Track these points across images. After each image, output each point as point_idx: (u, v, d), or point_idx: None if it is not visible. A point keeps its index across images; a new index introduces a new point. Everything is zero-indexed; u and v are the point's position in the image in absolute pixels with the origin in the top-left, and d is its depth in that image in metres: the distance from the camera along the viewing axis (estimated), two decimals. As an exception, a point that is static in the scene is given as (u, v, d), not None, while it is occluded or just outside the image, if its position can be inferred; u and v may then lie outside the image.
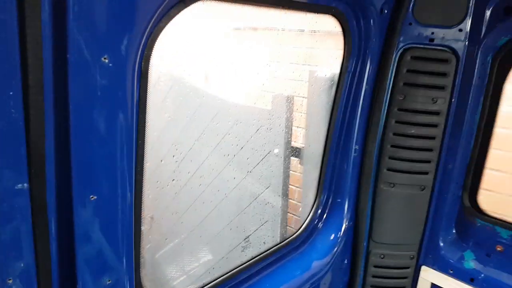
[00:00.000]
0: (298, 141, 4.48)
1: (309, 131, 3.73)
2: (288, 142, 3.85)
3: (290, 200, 4.35)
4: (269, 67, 4.02)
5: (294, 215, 4.49)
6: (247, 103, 3.88)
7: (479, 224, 2.36)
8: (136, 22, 1.13)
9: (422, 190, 2.30)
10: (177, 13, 1.24)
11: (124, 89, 1.16)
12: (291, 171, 3.96)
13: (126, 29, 1.12)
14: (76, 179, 1.15)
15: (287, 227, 4.00)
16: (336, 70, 3.14)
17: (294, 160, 4.10)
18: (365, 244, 2.44)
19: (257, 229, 3.66)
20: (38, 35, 0.99)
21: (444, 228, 2.41)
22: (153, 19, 1.15)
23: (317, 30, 4.00)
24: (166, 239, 3.53)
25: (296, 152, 4.03)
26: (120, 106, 1.17)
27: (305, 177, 3.79)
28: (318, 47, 4.19)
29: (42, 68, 1.01)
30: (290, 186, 4.00)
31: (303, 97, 4.25)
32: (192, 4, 1.28)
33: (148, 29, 1.15)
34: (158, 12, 1.15)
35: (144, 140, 1.29)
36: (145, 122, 1.27)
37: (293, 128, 3.90)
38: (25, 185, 1.06)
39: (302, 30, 4.01)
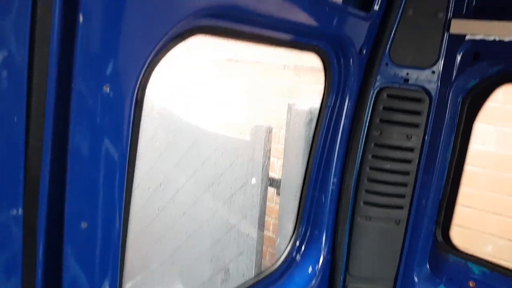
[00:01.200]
0: (275, 172, 4.51)
1: (287, 162, 3.78)
2: (265, 172, 3.88)
3: (265, 232, 4.34)
4: (248, 98, 4.10)
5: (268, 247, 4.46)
6: (226, 133, 3.91)
7: (451, 259, 2.41)
8: (138, 53, 1.17)
9: (397, 224, 2.35)
10: (174, 45, 1.29)
11: (121, 118, 1.18)
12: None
13: (128, 60, 1.15)
14: (69, 206, 1.14)
15: (262, 259, 3.97)
16: (314, 104, 3.23)
17: (270, 191, 4.12)
18: (342, 277, 2.45)
19: (233, 260, 3.61)
20: (44, 66, 1.01)
21: (418, 263, 2.45)
22: (153, 51, 1.19)
23: (298, 65, 4.13)
24: (147, 267, 3.43)
25: (273, 182, 4.06)
26: (116, 134, 1.19)
27: (282, 208, 3.80)
28: (297, 81, 4.32)
29: (45, 95, 1.02)
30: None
31: (281, 128, 4.33)
32: (188, 38, 1.33)
33: (147, 61, 1.18)
34: (157, 46, 1.19)
35: (134, 168, 1.30)
36: (136, 151, 1.29)
37: (271, 158, 3.94)
38: (20, 210, 1.05)
39: (284, 65, 4.13)
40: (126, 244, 1.38)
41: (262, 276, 2.26)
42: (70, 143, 1.11)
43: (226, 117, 3.97)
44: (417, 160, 2.24)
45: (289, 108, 3.63)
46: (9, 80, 0.96)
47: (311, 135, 2.81)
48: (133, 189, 1.38)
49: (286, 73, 4.34)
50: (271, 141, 3.86)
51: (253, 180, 3.89)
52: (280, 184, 3.93)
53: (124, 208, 1.30)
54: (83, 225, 1.20)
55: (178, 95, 3.51)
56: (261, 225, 3.87)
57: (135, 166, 1.36)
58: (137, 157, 1.36)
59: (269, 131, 3.82)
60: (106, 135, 1.19)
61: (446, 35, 2.04)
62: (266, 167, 3.90)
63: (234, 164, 3.74)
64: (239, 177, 3.72)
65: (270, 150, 3.86)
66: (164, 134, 3.50)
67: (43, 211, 1.12)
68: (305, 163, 2.54)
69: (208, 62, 3.96)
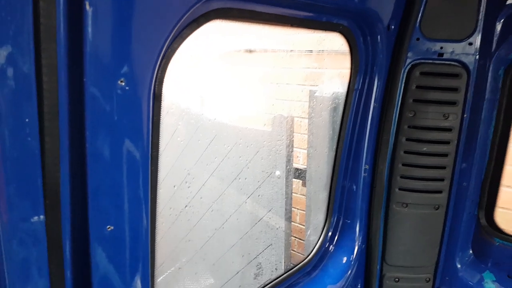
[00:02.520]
0: (298, 162, 4.41)
1: (312, 151, 3.66)
2: (289, 163, 3.78)
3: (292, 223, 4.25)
4: (268, 88, 3.99)
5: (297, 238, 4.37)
6: (247, 125, 3.82)
7: (497, 243, 2.27)
8: (152, 43, 1.08)
9: (437, 209, 2.22)
10: (190, 33, 1.20)
11: (140, 113, 1.10)
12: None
13: (142, 52, 1.07)
14: (92, 209, 1.08)
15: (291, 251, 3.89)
16: (336, 89, 3.10)
17: (295, 182, 4.02)
18: (378, 267, 2.34)
19: (263, 253, 3.54)
20: (53, 59, 0.93)
21: (460, 248, 2.32)
22: (168, 41, 1.10)
23: (315, 50, 3.99)
24: (179, 268, 3.40)
25: (298, 173, 3.95)
26: (136, 131, 1.11)
27: (309, 199, 3.70)
28: (316, 67, 4.18)
29: (57, 93, 0.94)
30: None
31: (303, 117, 4.21)
32: (204, 24, 1.23)
33: (163, 51, 1.10)
34: (172, 33, 1.10)
35: (157, 166, 1.22)
36: (158, 147, 1.21)
37: (295, 149, 3.83)
38: (41, 217, 0.98)
39: (301, 51, 4.00)
40: (155, 244, 1.31)
41: (295, 269, 2.17)
42: (88, 143, 1.03)
43: (246, 108, 3.88)
44: (455, 141, 2.10)
45: (311, 95, 3.51)
46: (15, 82, 0.88)
47: (336, 122, 2.69)
48: (158, 188, 1.31)
49: (304, 60, 4.20)
50: (293, 131, 3.75)
51: (277, 172, 3.79)
52: (305, 175, 3.82)
53: (151, 207, 1.22)
54: (109, 228, 1.13)
55: (196, 89, 3.44)
56: (288, 216, 3.78)
57: (158, 164, 1.28)
58: (159, 154, 1.28)
59: (291, 120, 3.71)
60: (126, 133, 1.11)
61: (483, 2, 1.88)
62: (290, 157, 3.79)
63: (257, 157, 3.65)
64: (263, 169, 3.63)
65: (293, 140, 3.75)
66: (185, 129, 3.43)
67: (66, 216, 1.05)
68: (331, 151, 2.42)
69: (224, 54, 3.86)
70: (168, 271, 3.55)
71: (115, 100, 1.03)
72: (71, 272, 1.12)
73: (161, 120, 1.23)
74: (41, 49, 0.90)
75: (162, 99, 1.19)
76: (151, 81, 1.09)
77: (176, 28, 1.10)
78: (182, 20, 1.12)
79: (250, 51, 4.24)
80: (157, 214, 1.29)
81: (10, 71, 0.86)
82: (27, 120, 0.92)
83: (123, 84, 1.02)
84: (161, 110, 1.21)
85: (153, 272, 1.31)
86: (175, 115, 3.13)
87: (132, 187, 1.17)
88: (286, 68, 4.12)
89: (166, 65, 1.15)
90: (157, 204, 1.28)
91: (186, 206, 3.26)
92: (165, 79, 1.18)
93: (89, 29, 0.94)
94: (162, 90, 1.17)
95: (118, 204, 1.15)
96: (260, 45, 3.89)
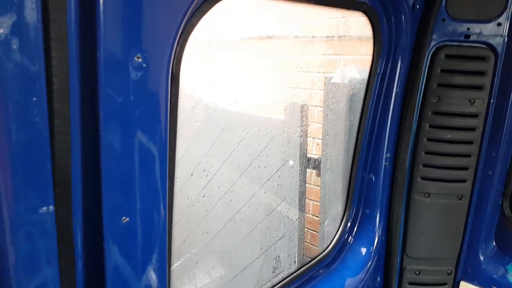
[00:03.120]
0: (311, 152, 4.32)
1: (326, 140, 3.58)
2: (303, 152, 3.69)
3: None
4: (285, 75, 3.90)
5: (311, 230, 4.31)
6: (259, 113, 3.73)
7: None
8: (170, 16, 1.00)
9: (460, 199, 2.13)
10: (210, 7, 1.12)
11: (157, 95, 1.02)
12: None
13: (159, 26, 0.98)
14: (106, 199, 1.00)
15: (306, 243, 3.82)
16: (353, 75, 3.00)
17: (308, 172, 3.94)
18: (398, 259, 2.26)
19: (277, 244, 3.48)
20: (63, 32, 0.85)
21: (484, 240, 2.23)
22: (187, 14, 1.01)
23: (329, 36, 3.88)
24: (196, 262, 3.36)
25: (311, 163, 3.87)
26: (154, 114, 1.03)
27: (324, 189, 3.62)
28: (330, 53, 4.07)
29: (68, 69, 0.86)
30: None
31: (318, 106, 4.11)
32: (224, -3, 1.15)
33: (182, 25, 1.01)
34: (192, 6, 1.02)
35: (174, 152, 1.15)
36: (176, 133, 1.13)
37: (308, 138, 3.75)
38: (51, 207, 0.91)
39: (314, 37, 3.89)
40: (172, 236, 1.24)
41: (314, 261, 2.11)
42: (101, 126, 0.96)
43: (258, 97, 3.79)
44: (481, 128, 2.00)
45: (326, 82, 3.41)
46: (21, 56, 0.80)
47: (353, 109, 2.60)
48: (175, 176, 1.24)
49: (319, 46, 4.10)
50: (307, 119, 3.66)
51: (291, 162, 3.71)
52: (319, 164, 3.74)
53: (168, 197, 1.15)
54: (124, 219, 1.06)
55: (209, 75, 3.36)
56: (302, 207, 3.71)
57: (176, 151, 1.20)
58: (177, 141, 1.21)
59: (305, 108, 3.62)
60: (142, 116, 1.03)
61: None
62: (303, 146, 3.71)
63: (270, 146, 3.58)
64: (276, 159, 3.56)
65: (307, 129, 3.67)
66: (197, 117, 3.36)
67: (78, 207, 0.98)
68: (349, 140, 2.34)
69: (238, 41, 3.77)
70: (183, 264, 3.52)
71: (131, 78, 0.95)
72: (82, 266, 1.05)
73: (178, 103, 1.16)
74: (50, 20, 0.82)
75: (179, 79, 1.11)
76: (170, 59, 1.01)
77: (196, 1, 1.02)
78: None
79: (267, 37, 4.14)
80: (174, 204, 1.22)
81: (15, 44, 0.79)
82: (34, 99, 0.84)
83: (140, 60, 0.95)
84: (179, 92, 1.14)
85: (170, 266, 1.25)
86: (190, 98, 3.05)
87: (149, 175, 1.10)
88: (305, 54, 4.02)
89: (185, 42, 1.07)
90: (174, 194, 1.21)
91: (204, 196, 3.21)
92: (183, 58, 1.10)
93: (103, 1, 0.87)
94: (180, 69, 1.09)
95: (133, 194, 1.08)
96: (278, 31, 3.79)
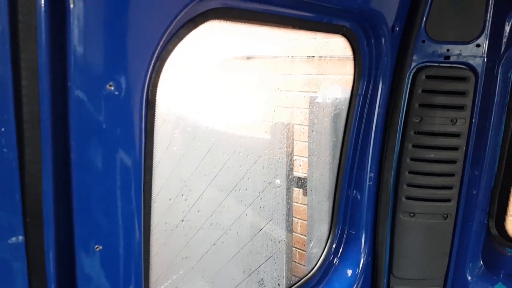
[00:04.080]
0: (297, 171, 4.30)
1: (312, 159, 3.57)
2: (289, 171, 3.68)
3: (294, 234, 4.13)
4: (268, 95, 3.90)
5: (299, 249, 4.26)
6: (246, 133, 3.72)
7: (509, 253, 2.18)
8: (144, 43, 0.98)
9: (445, 218, 2.12)
10: (187, 33, 1.11)
11: (131, 121, 0.99)
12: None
13: (133, 52, 0.96)
14: (79, 228, 0.96)
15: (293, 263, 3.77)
16: (337, 95, 3.01)
17: (295, 191, 3.92)
18: (385, 280, 2.23)
19: (263, 265, 3.42)
20: (33, 61, 0.83)
21: (470, 259, 2.22)
22: (162, 41, 1.00)
23: (317, 56, 3.92)
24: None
25: (298, 182, 3.85)
26: (127, 140, 1.00)
27: (311, 208, 3.59)
28: (314, 73, 4.11)
29: (39, 98, 0.84)
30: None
31: (303, 124, 4.12)
32: (201, 24, 1.14)
33: (156, 52, 1.00)
34: (167, 33, 1.01)
35: (151, 177, 1.11)
36: (152, 157, 1.10)
37: (295, 157, 3.74)
38: (20, 237, 0.87)
39: (302, 57, 3.92)
40: (150, 265, 1.20)
41: (299, 284, 2.06)
42: (73, 153, 0.93)
43: (243, 116, 3.78)
44: (464, 147, 2.01)
45: (311, 101, 3.42)
46: None
47: (337, 129, 2.60)
48: (152, 202, 1.20)
49: (301, 66, 4.13)
50: (293, 138, 3.66)
51: (278, 181, 3.69)
52: (306, 183, 3.72)
53: (144, 224, 1.11)
54: (97, 248, 1.02)
55: (191, 96, 3.34)
56: (290, 227, 3.67)
57: (153, 176, 1.17)
58: (154, 165, 1.18)
59: (291, 127, 3.62)
60: (116, 142, 1.00)
61: (491, 2, 1.81)
62: (289, 166, 3.69)
63: (256, 165, 3.55)
64: (263, 179, 3.53)
65: (293, 148, 3.66)
66: (181, 138, 3.33)
67: (50, 236, 0.94)
68: (333, 159, 2.33)
69: (220, 62, 3.78)
70: None
71: (104, 106, 0.93)
72: None
73: (156, 129, 1.13)
74: (20, 50, 0.80)
75: (156, 105, 1.09)
76: (144, 85, 0.99)
77: (171, 27, 1.01)
78: (178, 18, 1.03)
79: (248, 57, 4.16)
80: (151, 230, 1.19)
81: None
82: (3, 129, 0.81)
83: (112, 88, 0.92)
84: (156, 117, 1.11)
85: None
86: (170, 122, 3.03)
87: (124, 201, 1.06)
88: (286, 74, 4.04)
89: (161, 68, 1.05)
90: (151, 220, 1.17)
91: (182, 220, 3.15)
92: (159, 84, 1.08)
93: (74, 28, 0.85)
94: (156, 95, 1.07)
95: (107, 221, 1.05)
96: (260, 51, 3.81)
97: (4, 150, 0.84)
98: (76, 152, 0.95)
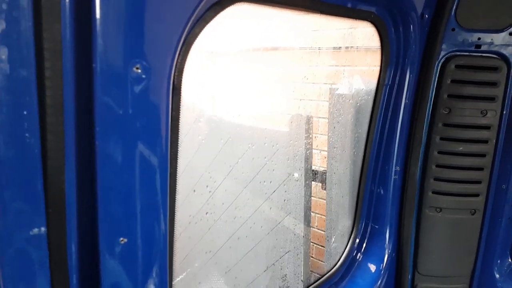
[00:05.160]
0: (315, 165, 4.25)
1: (332, 153, 3.51)
2: (308, 165, 3.62)
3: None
4: (283, 87, 3.85)
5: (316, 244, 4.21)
6: (264, 125, 3.68)
7: None
8: (171, 25, 0.94)
9: (473, 214, 2.05)
10: (213, 16, 1.07)
11: (157, 107, 0.96)
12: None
13: (160, 34, 0.93)
14: (103, 219, 0.94)
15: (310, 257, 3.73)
16: (358, 86, 2.95)
17: (313, 185, 3.86)
18: (410, 277, 2.17)
19: (282, 260, 3.39)
20: (57, 41, 0.79)
21: (499, 256, 2.15)
22: (189, 23, 0.96)
23: (335, 47, 3.85)
24: (199, 283, 3.27)
25: (316, 175, 3.80)
26: (154, 127, 0.97)
27: (330, 202, 3.54)
28: (334, 64, 4.03)
29: (62, 81, 0.81)
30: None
31: (322, 117, 4.05)
32: (228, 7, 1.10)
33: (184, 34, 0.96)
34: (194, 15, 0.97)
35: (176, 167, 1.08)
36: (177, 147, 1.07)
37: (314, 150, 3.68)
38: (43, 229, 0.85)
39: (320, 48, 3.85)
40: (174, 258, 1.17)
41: (322, 279, 2.03)
42: (97, 140, 0.90)
43: (262, 108, 3.74)
44: (494, 140, 1.94)
45: (331, 93, 3.36)
46: (11, 67, 0.75)
47: (360, 122, 2.54)
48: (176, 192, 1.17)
49: (321, 58, 4.06)
50: (312, 131, 3.60)
51: (296, 174, 3.64)
52: (325, 177, 3.66)
53: (169, 216, 1.08)
54: (122, 240, 0.99)
55: (209, 88, 3.31)
56: (308, 221, 3.63)
57: (177, 166, 1.14)
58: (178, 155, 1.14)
59: (310, 120, 3.56)
60: (141, 129, 0.97)
61: None
62: (308, 159, 3.64)
63: (275, 159, 3.51)
64: (281, 172, 3.48)
65: (312, 140, 3.60)
66: (199, 130, 3.31)
67: (73, 228, 0.92)
68: (356, 152, 2.27)
69: (238, 53, 3.74)
70: (185, 285, 3.42)
71: (130, 89, 0.89)
72: None
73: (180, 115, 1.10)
74: (43, 29, 0.76)
75: (181, 91, 1.05)
76: (171, 69, 0.96)
77: (198, 9, 0.97)
78: (205, 0, 0.99)
79: (274, 48, 4.11)
80: (175, 222, 1.16)
81: (3, 54, 0.73)
82: (25, 112, 0.78)
83: (139, 71, 0.89)
84: (181, 104, 1.08)
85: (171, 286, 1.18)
86: (193, 111, 3.00)
87: (149, 192, 1.03)
88: (312, 66, 3.98)
89: (187, 52, 1.01)
90: (175, 211, 1.14)
91: (206, 213, 3.13)
92: (185, 69, 1.05)
93: (100, 6, 0.81)
94: (182, 81, 1.04)
95: (132, 213, 1.01)
96: (284, 42, 3.76)
97: (27, 135, 0.81)
98: (101, 140, 0.92)
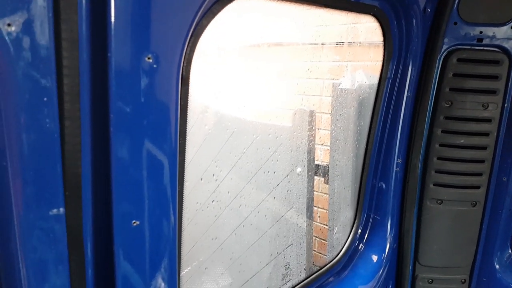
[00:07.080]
0: (318, 159, 4.28)
1: (334, 147, 3.54)
2: (311, 159, 3.66)
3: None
4: (285, 82, 3.88)
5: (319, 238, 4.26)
6: (266, 120, 3.71)
7: None
8: (180, 17, 0.98)
9: (474, 206, 2.09)
10: (221, 9, 1.10)
11: (167, 96, 1.00)
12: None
13: (170, 25, 0.96)
14: (117, 202, 0.98)
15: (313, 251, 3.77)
16: (361, 81, 2.97)
17: (316, 179, 3.90)
18: (411, 267, 2.21)
19: (286, 252, 3.43)
20: (74, 32, 0.84)
21: (499, 248, 2.18)
22: (198, 15, 1.00)
23: (337, 42, 3.87)
24: (205, 268, 3.31)
25: (319, 170, 3.83)
26: (164, 116, 1.01)
27: (332, 196, 3.57)
28: (337, 59, 4.05)
29: (78, 70, 0.85)
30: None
31: (325, 112, 4.08)
32: (235, 0, 1.13)
33: (192, 27, 0.99)
34: (203, 6, 1.00)
35: (184, 156, 1.13)
36: (185, 136, 1.11)
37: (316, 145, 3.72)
38: (61, 209, 0.90)
39: (323, 43, 3.88)
40: (182, 240, 1.22)
41: (324, 269, 2.06)
42: (112, 127, 0.94)
43: (264, 104, 3.77)
44: (495, 132, 1.96)
45: (334, 88, 3.38)
46: (32, 57, 0.79)
47: (362, 116, 2.57)
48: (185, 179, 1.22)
49: (324, 52, 4.08)
50: (315, 126, 3.63)
51: (298, 169, 3.68)
52: (327, 172, 3.70)
53: (178, 201, 1.13)
54: (134, 223, 1.04)
55: (214, 82, 3.35)
56: (310, 214, 3.67)
57: (185, 154, 1.19)
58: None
59: (313, 114, 3.59)
60: (153, 117, 1.01)
61: None
62: (311, 153, 3.68)
63: (278, 152, 3.55)
64: (284, 166, 3.52)
65: (314, 135, 3.64)
66: (205, 121, 3.35)
67: (88, 209, 0.96)
68: (359, 146, 2.31)
69: (243, 48, 3.76)
70: (193, 270, 3.47)
71: (142, 78, 0.93)
72: (92, 270, 1.03)
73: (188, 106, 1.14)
74: (61, 20, 0.80)
75: (189, 82, 1.09)
76: (180, 60, 0.99)
77: (206, 2, 1.01)
78: None
79: (278, 44, 4.13)
80: (183, 209, 1.20)
81: (25, 43, 0.77)
82: (45, 99, 0.82)
83: (151, 61, 0.93)
84: (189, 94, 1.12)
85: (180, 271, 1.22)
86: (199, 103, 3.03)
87: (159, 178, 1.08)
88: (314, 61, 4.01)
89: (195, 44, 1.05)
90: (184, 198, 1.19)
91: (213, 200, 3.18)
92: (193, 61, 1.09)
93: (114, 0, 0.85)
94: (190, 72, 1.08)
95: (144, 197, 1.06)
96: (288, 38, 3.78)
97: (47, 120, 0.85)
98: (115, 126, 0.96)
